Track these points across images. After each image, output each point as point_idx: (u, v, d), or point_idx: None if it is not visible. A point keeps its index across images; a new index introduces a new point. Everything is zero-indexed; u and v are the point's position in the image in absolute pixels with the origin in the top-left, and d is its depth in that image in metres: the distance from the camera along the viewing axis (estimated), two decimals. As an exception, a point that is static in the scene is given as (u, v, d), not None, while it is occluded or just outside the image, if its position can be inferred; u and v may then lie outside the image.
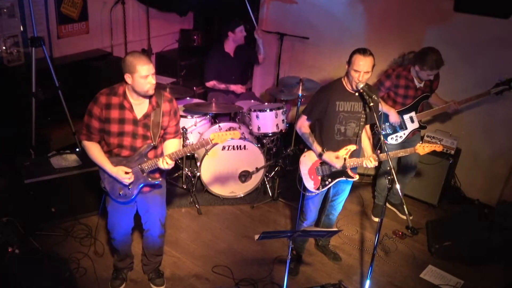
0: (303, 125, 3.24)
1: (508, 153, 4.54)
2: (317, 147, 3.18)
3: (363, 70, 2.95)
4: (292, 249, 2.81)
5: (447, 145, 4.46)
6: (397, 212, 4.50)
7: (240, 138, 4.30)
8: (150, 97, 2.76)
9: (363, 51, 2.96)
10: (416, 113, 3.94)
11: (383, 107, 3.95)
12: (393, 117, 3.90)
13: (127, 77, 2.63)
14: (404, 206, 3.03)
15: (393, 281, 3.68)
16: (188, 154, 4.65)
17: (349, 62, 3.02)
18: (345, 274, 3.70)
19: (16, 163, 3.86)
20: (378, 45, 4.95)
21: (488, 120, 4.52)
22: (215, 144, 4.19)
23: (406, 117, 3.95)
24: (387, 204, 4.54)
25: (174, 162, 2.76)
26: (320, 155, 3.17)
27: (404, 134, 3.99)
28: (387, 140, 4.01)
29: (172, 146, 2.89)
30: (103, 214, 3.19)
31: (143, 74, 2.60)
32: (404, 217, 4.44)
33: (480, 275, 3.78)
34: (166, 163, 2.73)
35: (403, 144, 3.96)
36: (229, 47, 4.93)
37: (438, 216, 4.53)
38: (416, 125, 3.97)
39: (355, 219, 4.43)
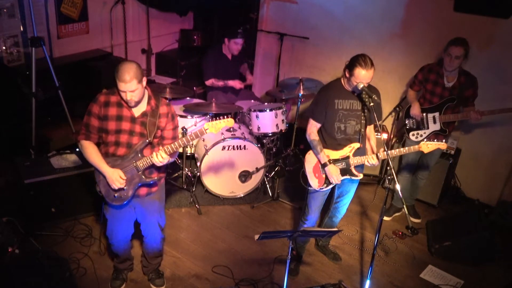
0: (313, 131, 3.24)
1: (508, 153, 4.54)
2: (323, 157, 3.19)
3: (366, 82, 2.99)
4: (292, 249, 2.82)
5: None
6: (408, 216, 4.42)
7: (240, 138, 4.30)
8: (148, 96, 2.78)
9: (365, 64, 2.93)
10: (440, 114, 3.91)
11: (410, 100, 4.04)
12: (415, 109, 3.93)
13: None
14: (404, 206, 3.03)
15: (393, 281, 3.68)
16: (188, 154, 4.66)
17: (351, 73, 3.00)
18: (345, 274, 3.71)
19: (16, 163, 3.86)
20: (378, 45, 4.97)
21: (488, 120, 4.51)
22: (217, 142, 4.24)
23: (430, 116, 3.94)
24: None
25: (168, 157, 2.74)
26: (324, 165, 3.19)
27: (425, 133, 3.98)
28: (409, 136, 4.03)
29: None
30: (103, 222, 3.18)
31: (120, 88, 2.63)
32: (414, 220, 4.43)
33: (480, 275, 3.78)
34: (160, 157, 2.70)
35: None
36: (227, 50, 4.94)
37: (438, 216, 4.53)
38: (437, 126, 3.94)
39: (355, 219, 4.43)
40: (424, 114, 3.95)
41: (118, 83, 2.61)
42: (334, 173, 3.17)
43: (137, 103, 2.72)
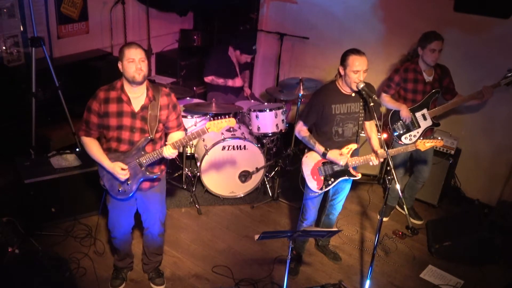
0: (302, 129, 3.25)
1: (508, 153, 4.54)
2: (320, 148, 3.18)
3: (362, 69, 2.97)
4: (292, 249, 2.82)
5: (447, 145, 4.45)
6: (408, 217, 4.38)
7: (240, 138, 4.30)
8: (146, 88, 2.79)
9: (357, 52, 2.99)
10: (428, 110, 3.89)
11: (393, 104, 3.95)
12: (404, 112, 3.87)
13: (119, 65, 2.71)
14: (404, 206, 3.03)
15: (393, 281, 3.68)
16: (188, 154, 4.66)
17: (345, 65, 3.02)
18: (345, 274, 3.71)
19: (16, 163, 3.86)
20: (378, 45, 4.97)
21: (488, 120, 4.52)
22: (217, 142, 4.24)
23: (418, 114, 3.91)
24: (398, 207, 4.55)
25: (177, 151, 2.79)
26: (324, 155, 3.18)
27: (418, 132, 3.95)
28: (401, 140, 3.99)
29: (176, 137, 2.92)
30: (103, 213, 3.19)
31: (129, 57, 2.65)
32: (417, 222, 4.43)
33: (480, 275, 3.78)
34: (169, 151, 2.76)
35: None
36: (232, 54, 4.95)
37: (438, 216, 4.53)
38: (429, 122, 3.92)
39: (355, 219, 4.43)
40: (413, 114, 3.92)
41: (126, 53, 2.66)
42: (338, 157, 3.15)
43: (143, 79, 2.73)
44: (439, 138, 3.20)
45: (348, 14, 5.18)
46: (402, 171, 4.29)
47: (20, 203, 3.80)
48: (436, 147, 4.20)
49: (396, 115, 3.96)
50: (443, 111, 3.97)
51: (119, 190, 2.89)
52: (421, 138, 3.12)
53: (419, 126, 3.94)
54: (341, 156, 3.15)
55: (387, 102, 3.97)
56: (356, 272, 3.75)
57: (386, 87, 3.99)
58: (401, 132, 3.98)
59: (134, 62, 2.66)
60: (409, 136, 3.98)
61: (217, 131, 2.81)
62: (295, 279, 3.59)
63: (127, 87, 2.76)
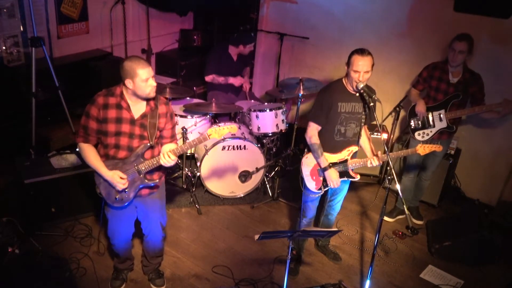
0: (314, 134, 3.21)
1: (508, 153, 4.54)
2: (324, 161, 3.18)
3: (363, 70, 2.96)
4: (292, 249, 2.82)
5: (447, 145, 4.45)
6: (409, 216, 4.40)
7: (240, 138, 4.30)
8: (150, 99, 2.76)
9: (361, 51, 2.97)
10: (446, 111, 3.88)
11: (414, 98, 4.00)
12: (420, 105, 3.89)
13: (128, 83, 2.63)
14: (404, 206, 3.03)
15: (393, 281, 3.68)
16: (188, 154, 4.66)
17: (348, 63, 3.03)
18: (345, 274, 3.71)
19: (16, 163, 3.86)
20: (378, 45, 4.96)
21: (488, 120, 4.52)
22: (217, 142, 4.24)
23: (435, 114, 3.91)
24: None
25: (176, 158, 2.74)
26: (324, 169, 3.19)
27: (431, 132, 3.95)
28: (414, 135, 4.00)
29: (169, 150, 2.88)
30: (103, 222, 3.18)
31: (144, 78, 2.61)
32: (417, 221, 4.43)
33: (480, 275, 3.78)
34: (168, 157, 2.69)
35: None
36: (233, 52, 4.95)
37: (438, 216, 4.53)
38: (444, 124, 3.90)
39: (355, 219, 4.43)
40: (430, 113, 3.92)
41: (141, 73, 2.59)
42: (334, 177, 3.18)
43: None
44: (439, 143, 3.21)
45: (348, 14, 5.18)
46: (412, 174, 4.28)
47: (20, 203, 3.80)
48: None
49: (411, 110, 4.01)
50: (460, 116, 3.95)
51: (116, 198, 2.85)
52: (427, 140, 3.11)
53: (434, 126, 3.94)
54: (337, 180, 3.19)
55: (411, 95, 4.07)
56: (356, 272, 3.75)
57: (415, 81, 4.07)
58: (417, 126, 3.99)
59: (148, 81, 2.64)
60: (423, 133, 3.98)
61: (219, 137, 2.79)
62: (295, 279, 3.59)
63: (128, 95, 2.72)
